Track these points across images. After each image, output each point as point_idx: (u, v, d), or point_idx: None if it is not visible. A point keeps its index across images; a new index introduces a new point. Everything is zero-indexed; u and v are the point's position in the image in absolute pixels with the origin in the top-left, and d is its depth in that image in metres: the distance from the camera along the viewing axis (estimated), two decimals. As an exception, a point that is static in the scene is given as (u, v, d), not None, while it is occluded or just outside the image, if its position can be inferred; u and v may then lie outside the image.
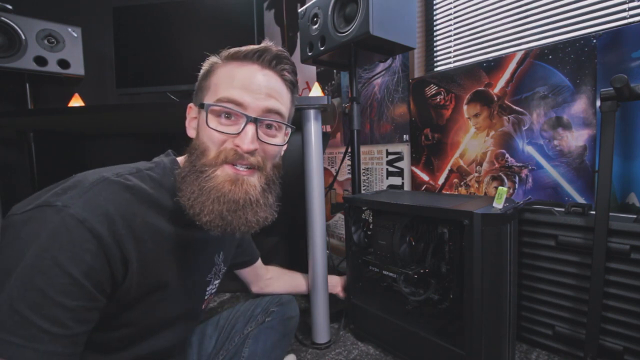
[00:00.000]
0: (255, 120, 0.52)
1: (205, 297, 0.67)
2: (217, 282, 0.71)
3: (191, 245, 0.57)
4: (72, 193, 0.43)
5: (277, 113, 0.55)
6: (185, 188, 0.51)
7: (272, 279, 1.02)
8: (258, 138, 0.53)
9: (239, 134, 0.51)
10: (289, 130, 0.60)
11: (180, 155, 0.61)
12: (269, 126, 0.56)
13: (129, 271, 0.46)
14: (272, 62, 0.55)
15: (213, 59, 0.57)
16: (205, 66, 0.58)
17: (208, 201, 0.50)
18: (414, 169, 1.59)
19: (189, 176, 0.51)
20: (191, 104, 0.59)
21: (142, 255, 0.47)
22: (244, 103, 0.52)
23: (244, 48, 0.54)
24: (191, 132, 0.58)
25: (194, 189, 0.50)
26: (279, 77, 0.57)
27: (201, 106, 0.53)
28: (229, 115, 0.52)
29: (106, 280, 0.43)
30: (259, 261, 0.99)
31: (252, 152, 0.52)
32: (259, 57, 0.54)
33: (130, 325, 0.50)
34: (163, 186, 0.52)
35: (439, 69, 1.55)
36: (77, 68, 1.74)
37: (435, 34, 1.56)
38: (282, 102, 0.56)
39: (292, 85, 0.59)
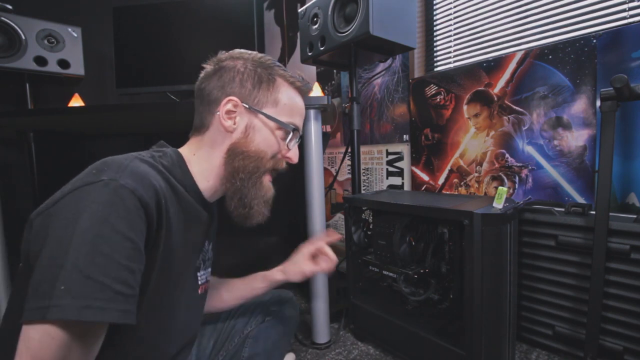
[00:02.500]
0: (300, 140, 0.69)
1: (200, 283, 0.67)
2: (207, 270, 0.70)
3: (192, 227, 0.60)
4: (112, 169, 0.46)
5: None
6: (238, 188, 0.61)
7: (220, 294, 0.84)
8: None
9: (292, 149, 0.67)
10: None
11: (170, 146, 0.64)
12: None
13: (158, 238, 0.50)
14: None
15: (267, 68, 0.63)
16: (259, 70, 0.63)
17: (261, 204, 0.63)
18: (414, 169, 1.59)
19: (244, 179, 0.61)
20: (234, 98, 0.61)
21: (168, 227, 0.51)
22: (300, 128, 0.68)
23: (300, 82, 0.67)
24: (232, 126, 0.61)
25: (255, 193, 0.62)
26: None
27: (272, 119, 0.62)
28: (289, 133, 0.65)
29: (144, 246, 0.47)
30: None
31: None
32: (307, 94, 0.71)
33: (150, 307, 0.51)
34: (172, 174, 0.56)
35: (439, 69, 1.55)
36: (77, 68, 1.74)
37: (435, 34, 1.56)
38: None
39: None
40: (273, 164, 0.64)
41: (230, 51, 0.65)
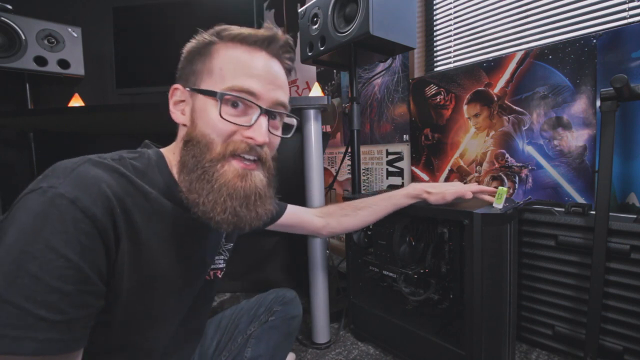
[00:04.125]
0: (268, 112, 0.52)
1: (213, 269, 0.66)
2: (221, 258, 0.69)
3: (185, 231, 0.55)
4: (55, 174, 0.41)
5: (283, 105, 0.54)
6: (193, 185, 0.49)
7: (329, 225, 0.90)
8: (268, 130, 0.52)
9: (251, 125, 0.50)
10: (294, 121, 0.59)
11: (159, 146, 0.59)
12: (273, 117, 0.54)
13: (119, 250, 0.44)
14: (280, 50, 0.54)
15: (207, 36, 0.52)
16: (196, 44, 0.53)
17: (220, 199, 0.48)
18: (414, 169, 1.59)
19: (195, 172, 0.49)
20: (177, 86, 0.54)
21: (133, 236, 0.45)
22: (257, 93, 0.50)
23: (249, 31, 0.51)
24: (180, 118, 0.53)
25: (203, 186, 0.49)
26: (283, 66, 0.55)
27: (203, 92, 0.50)
28: (236, 104, 0.50)
29: (102, 262, 0.41)
30: (293, 208, 0.85)
31: (263, 145, 0.51)
32: (268, 45, 0.52)
33: (124, 322, 0.48)
34: (146, 176, 0.50)
35: (439, 69, 1.55)
36: (77, 68, 1.75)
37: (435, 34, 1.56)
38: (286, 92, 0.56)
39: (289, 73, 0.58)
40: (231, 149, 0.49)
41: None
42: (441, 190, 0.88)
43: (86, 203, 0.39)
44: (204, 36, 0.53)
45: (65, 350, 0.38)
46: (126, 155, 0.50)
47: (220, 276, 0.70)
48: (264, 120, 0.51)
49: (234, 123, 0.49)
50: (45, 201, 0.38)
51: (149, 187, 0.49)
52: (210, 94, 0.49)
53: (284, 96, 0.54)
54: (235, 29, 0.52)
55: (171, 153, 0.55)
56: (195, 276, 0.61)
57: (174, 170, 0.53)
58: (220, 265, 0.69)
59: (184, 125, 0.53)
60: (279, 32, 0.53)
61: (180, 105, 0.54)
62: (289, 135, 0.58)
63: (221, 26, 0.53)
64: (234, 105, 0.50)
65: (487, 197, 0.90)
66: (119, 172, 0.46)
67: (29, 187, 0.41)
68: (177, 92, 0.54)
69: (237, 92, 0.49)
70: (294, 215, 0.84)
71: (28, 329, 0.35)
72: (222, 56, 0.51)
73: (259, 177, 0.52)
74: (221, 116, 0.48)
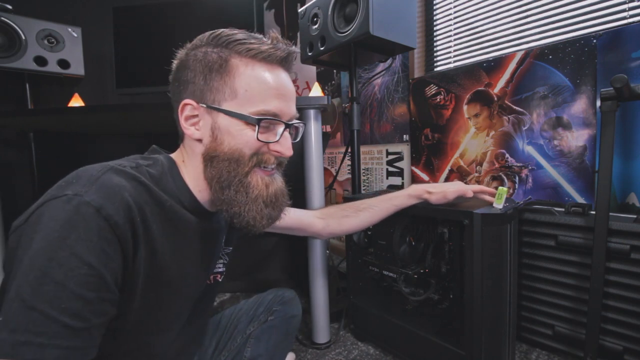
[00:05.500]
0: (290, 126, 0.55)
1: (213, 273, 0.67)
2: (221, 262, 0.70)
3: (196, 238, 0.57)
4: (81, 182, 0.42)
5: (296, 116, 0.58)
6: (232, 199, 0.52)
7: (329, 226, 0.89)
8: None
9: (278, 140, 0.54)
10: (302, 127, 0.61)
11: (164, 150, 0.60)
12: (290, 127, 0.58)
13: (137, 258, 0.45)
14: (290, 62, 0.56)
15: (216, 49, 0.51)
16: (205, 55, 0.52)
17: (258, 208, 0.53)
18: (414, 169, 1.59)
19: (232, 186, 0.52)
20: (189, 101, 0.52)
21: (149, 244, 0.46)
22: (282, 113, 0.53)
23: (268, 48, 0.52)
24: (195, 134, 0.53)
25: (242, 199, 0.53)
26: (290, 76, 0.58)
27: (235, 115, 0.51)
28: (266, 125, 0.53)
29: (119, 270, 0.42)
30: (293, 211, 0.85)
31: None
32: (286, 62, 0.54)
33: (131, 328, 0.49)
34: (160, 184, 0.51)
35: (439, 69, 1.55)
36: (77, 68, 1.74)
37: (435, 34, 1.56)
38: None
39: None
40: (257, 161, 0.53)
41: (195, 39, 0.55)
42: (442, 190, 0.87)
43: (110, 211, 0.40)
44: (213, 49, 0.52)
45: (86, 357, 0.38)
46: (142, 163, 0.51)
47: (220, 280, 0.70)
48: (287, 134, 0.55)
49: (266, 142, 0.53)
50: (71, 209, 0.39)
51: (164, 194, 0.50)
52: (246, 118, 0.51)
53: (295, 107, 0.57)
54: (251, 43, 0.51)
55: (180, 160, 0.56)
56: (200, 282, 0.62)
57: (187, 178, 0.55)
58: (220, 269, 0.70)
59: (199, 140, 0.53)
60: (288, 44, 0.55)
61: (192, 120, 0.53)
62: (297, 140, 0.61)
63: (227, 35, 0.52)
64: (264, 125, 0.53)
65: (487, 197, 0.90)
66: (138, 181, 0.47)
67: (52, 192, 0.42)
68: (188, 108, 0.53)
69: (270, 116, 0.52)
70: (293, 217, 0.84)
71: (52, 336, 0.35)
72: (246, 76, 0.51)
73: (279, 179, 0.57)
74: (258, 139, 0.52)
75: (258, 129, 0.51)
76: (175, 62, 0.55)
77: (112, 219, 0.40)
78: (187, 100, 0.52)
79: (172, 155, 0.57)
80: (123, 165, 0.48)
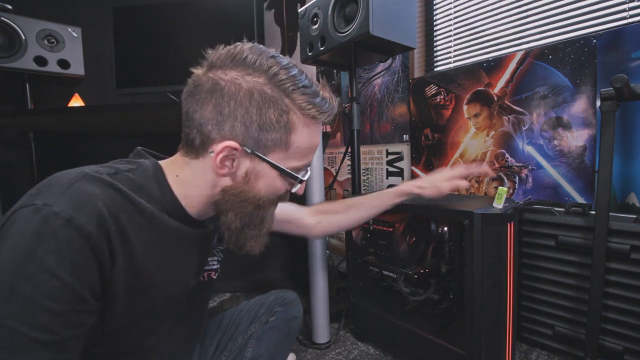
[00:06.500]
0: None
1: (206, 270, 0.67)
2: (215, 259, 0.70)
3: (183, 243, 0.55)
4: (51, 191, 0.40)
5: None
6: (247, 234, 0.55)
7: (320, 223, 0.87)
8: None
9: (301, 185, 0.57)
10: None
11: (152, 153, 0.58)
12: None
13: (115, 267, 0.43)
14: None
15: (279, 95, 0.48)
16: (264, 95, 0.47)
17: (262, 239, 0.58)
18: (414, 169, 1.59)
19: (255, 225, 0.55)
20: (232, 143, 0.48)
21: (128, 253, 0.45)
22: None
23: (325, 109, 0.51)
24: (225, 170, 0.50)
25: (254, 233, 0.56)
26: None
27: (284, 172, 0.52)
28: None
29: (96, 280, 0.41)
30: (282, 205, 0.79)
31: None
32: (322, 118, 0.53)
33: (119, 333, 0.49)
34: (142, 190, 0.49)
35: (439, 69, 1.55)
36: (77, 68, 1.75)
37: (435, 34, 1.56)
38: None
39: None
40: (277, 201, 0.56)
41: (232, 50, 0.49)
42: (434, 184, 0.85)
43: (81, 222, 0.39)
44: (270, 90, 0.48)
45: None
46: (122, 168, 0.49)
47: (214, 277, 0.70)
48: None
49: (292, 190, 0.57)
50: (39, 220, 0.38)
51: (145, 201, 0.48)
52: (290, 174, 0.53)
53: None
54: (304, 99, 0.49)
55: (174, 174, 0.53)
56: (188, 284, 0.61)
57: (176, 189, 0.52)
58: (214, 267, 0.70)
59: (224, 175, 0.51)
60: (335, 99, 0.55)
61: (229, 158, 0.49)
62: None
63: (288, 79, 0.48)
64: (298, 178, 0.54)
65: (462, 183, 0.85)
66: (114, 188, 0.45)
67: (23, 200, 0.40)
68: (226, 150, 0.48)
69: (307, 168, 0.56)
70: (281, 211, 0.79)
71: (21, 351, 0.35)
72: (301, 134, 0.51)
73: None
74: (291, 191, 0.56)
75: (298, 183, 0.55)
76: (206, 77, 0.49)
77: (84, 229, 0.39)
78: (229, 143, 0.48)
79: (162, 163, 0.54)
80: (99, 172, 0.46)
